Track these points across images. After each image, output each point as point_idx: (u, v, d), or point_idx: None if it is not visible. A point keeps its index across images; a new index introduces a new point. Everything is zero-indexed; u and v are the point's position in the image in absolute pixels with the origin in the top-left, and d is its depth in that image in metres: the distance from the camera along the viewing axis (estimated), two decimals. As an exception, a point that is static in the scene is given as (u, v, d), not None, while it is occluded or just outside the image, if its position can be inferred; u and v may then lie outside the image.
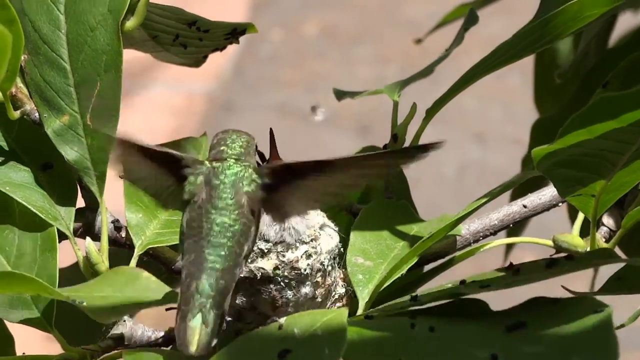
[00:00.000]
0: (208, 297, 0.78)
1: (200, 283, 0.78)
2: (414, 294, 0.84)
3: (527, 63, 1.24)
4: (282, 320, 0.79)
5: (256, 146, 0.87)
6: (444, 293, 0.83)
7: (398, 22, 3.38)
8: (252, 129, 0.93)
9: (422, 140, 1.00)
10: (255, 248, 0.90)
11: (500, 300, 0.82)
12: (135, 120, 3.03)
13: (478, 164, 2.91)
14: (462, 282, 0.84)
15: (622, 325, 0.96)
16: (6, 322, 0.95)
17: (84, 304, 0.82)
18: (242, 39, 1.05)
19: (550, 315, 0.77)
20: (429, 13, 3.36)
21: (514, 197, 1.23)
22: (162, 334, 0.92)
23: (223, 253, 0.80)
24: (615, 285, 0.86)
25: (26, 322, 0.91)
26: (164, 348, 0.91)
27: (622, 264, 0.88)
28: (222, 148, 0.84)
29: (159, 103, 3.13)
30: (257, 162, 0.87)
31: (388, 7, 3.45)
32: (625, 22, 1.39)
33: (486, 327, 0.79)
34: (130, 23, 0.92)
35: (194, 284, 0.78)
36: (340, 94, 1.16)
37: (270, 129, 0.94)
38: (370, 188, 1.11)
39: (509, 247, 1.44)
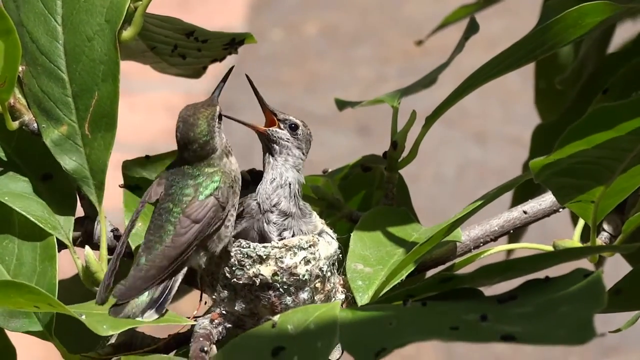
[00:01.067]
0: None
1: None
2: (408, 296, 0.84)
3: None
4: (276, 318, 0.80)
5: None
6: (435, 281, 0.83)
7: (398, 22, 3.38)
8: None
9: (424, 143, 1.01)
10: (253, 254, 0.90)
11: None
12: (135, 120, 3.03)
13: (478, 164, 2.91)
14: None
15: (619, 330, 0.96)
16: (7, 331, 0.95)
17: (83, 317, 0.83)
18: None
19: (542, 288, 0.78)
20: (429, 13, 3.36)
21: (514, 203, 1.23)
22: (161, 340, 0.92)
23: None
24: (614, 301, 0.86)
25: (26, 331, 0.91)
26: (164, 355, 0.91)
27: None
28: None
29: (158, 102, 3.12)
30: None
31: (388, 7, 3.45)
32: (624, 30, 1.39)
33: (478, 302, 0.80)
34: (128, 33, 0.91)
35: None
36: (341, 104, 1.16)
37: (246, 75, 0.94)
38: (370, 195, 1.11)
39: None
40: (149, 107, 3.11)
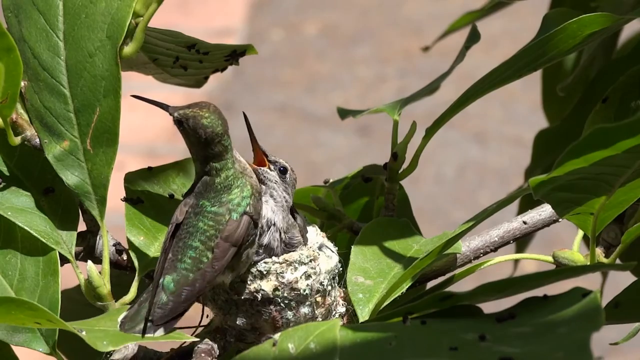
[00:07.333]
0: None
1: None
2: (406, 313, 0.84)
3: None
4: (277, 336, 0.80)
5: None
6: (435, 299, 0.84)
7: (398, 22, 3.38)
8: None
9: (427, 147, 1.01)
10: (254, 270, 0.90)
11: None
12: (136, 120, 3.03)
13: (478, 164, 2.91)
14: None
15: (617, 343, 0.97)
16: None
17: (84, 333, 0.83)
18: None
19: (540, 307, 0.78)
20: (429, 13, 3.36)
21: (520, 211, 1.23)
22: (164, 354, 0.93)
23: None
24: (612, 313, 0.87)
25: (29, 345, 0.91)
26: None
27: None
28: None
29: (159, 103, 3.12)
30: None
31: (388, 7, 3.45)
32: (632, 26, 1.39)
33: (476, 320, 0.80)
34: (129, 48, 0.92)
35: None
36: (343, 113, 1.16)
37: (243, 112, 0.93)
38: (371, 204, 1.12)
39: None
40: (149, 107, 3.10)
